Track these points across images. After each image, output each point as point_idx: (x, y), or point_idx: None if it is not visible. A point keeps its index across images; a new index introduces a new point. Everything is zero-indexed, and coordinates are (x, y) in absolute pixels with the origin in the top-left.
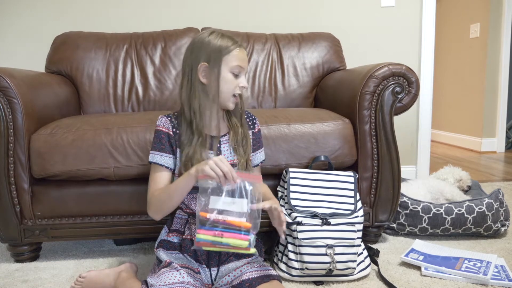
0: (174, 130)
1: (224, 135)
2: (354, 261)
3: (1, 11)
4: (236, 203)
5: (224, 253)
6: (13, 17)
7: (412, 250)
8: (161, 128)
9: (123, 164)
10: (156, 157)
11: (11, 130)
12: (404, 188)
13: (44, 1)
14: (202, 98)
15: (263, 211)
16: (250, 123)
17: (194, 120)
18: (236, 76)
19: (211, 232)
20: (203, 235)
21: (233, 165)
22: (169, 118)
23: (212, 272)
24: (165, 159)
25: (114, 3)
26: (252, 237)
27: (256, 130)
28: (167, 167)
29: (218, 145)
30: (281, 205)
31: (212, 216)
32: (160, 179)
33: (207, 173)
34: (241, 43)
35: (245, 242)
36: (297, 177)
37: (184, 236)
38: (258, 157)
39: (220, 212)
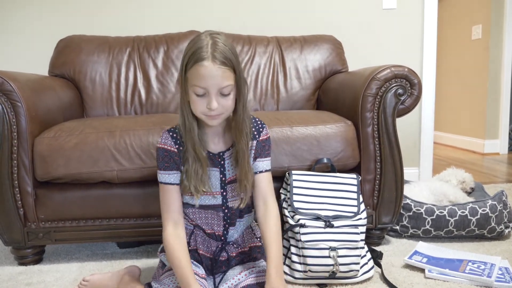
0: (177, 146)
1: (228, 149)
2: (358, 263)
3: (4, 15)
4: None
5: (231, 262)
6: (16, 21)
7: (416, 252)
8: (162, 146)
9: (126, 167)
10: (163, 176)
11: (15, 134)
12: (407, 190)
13: (47, 5)
14: (185, 111)
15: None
16: (255, 132)
17: (185, 138)
18: (201, 96)
19: None
20: None
21: (233, 181)
22: (170, 133)
23: (216, 279)
24: (174, 176)
25: (117, 7)
26: None
27: (261, 139)
28: (177, 184)
29: (222, 162)
30: (284, 208)
31: None
32: (171, 200)
33: None
34: (209, 55)
35: None
36: (300, 179)
37: (190, 248)
38: (260, 165)
39: None
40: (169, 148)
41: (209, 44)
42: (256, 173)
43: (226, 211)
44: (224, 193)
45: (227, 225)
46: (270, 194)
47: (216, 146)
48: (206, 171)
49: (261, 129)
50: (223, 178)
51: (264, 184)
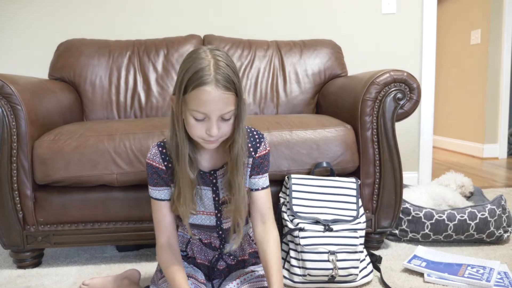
0: (166, 163)
1: (222, 167)
2: (357, 267)
3: (4, 18)
4: None
5: (231, 269)
6: (17, 25)
7: (415, 257)
8: (151, 162)
9: (126, 170)
10: (153, 192)
11: (15, 137)
12: (406, 194)
13: (47, 9)
14: (179, 133)
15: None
16: (251, 149)
17: (174, 159)
18: (200, 121)
19: None
20: None
21: (224, 202)
22: (160, 149)
23: (214, 285)
24: (164, 192)
25: (117, 11)
26: None
27: (258, 155)
28: (168, 200)
29: (214, 181)
30: (283, 211)
31: None
32: (161, 215)
33: None
34: (212, 79)
35: None
36: (299, 183)
37: (188, 256)
38: (257, 182)
39: None
40: (157, 165)
41: (211, 65)
42: (252, 190)
43: (220, 232)
44: (219, 214)
45: (223, 241)
46: (269, 212)
47: (208, 164)
48: (193, 195)
49: (258, 144)
50: (216, 198)
51: (262, 202)
